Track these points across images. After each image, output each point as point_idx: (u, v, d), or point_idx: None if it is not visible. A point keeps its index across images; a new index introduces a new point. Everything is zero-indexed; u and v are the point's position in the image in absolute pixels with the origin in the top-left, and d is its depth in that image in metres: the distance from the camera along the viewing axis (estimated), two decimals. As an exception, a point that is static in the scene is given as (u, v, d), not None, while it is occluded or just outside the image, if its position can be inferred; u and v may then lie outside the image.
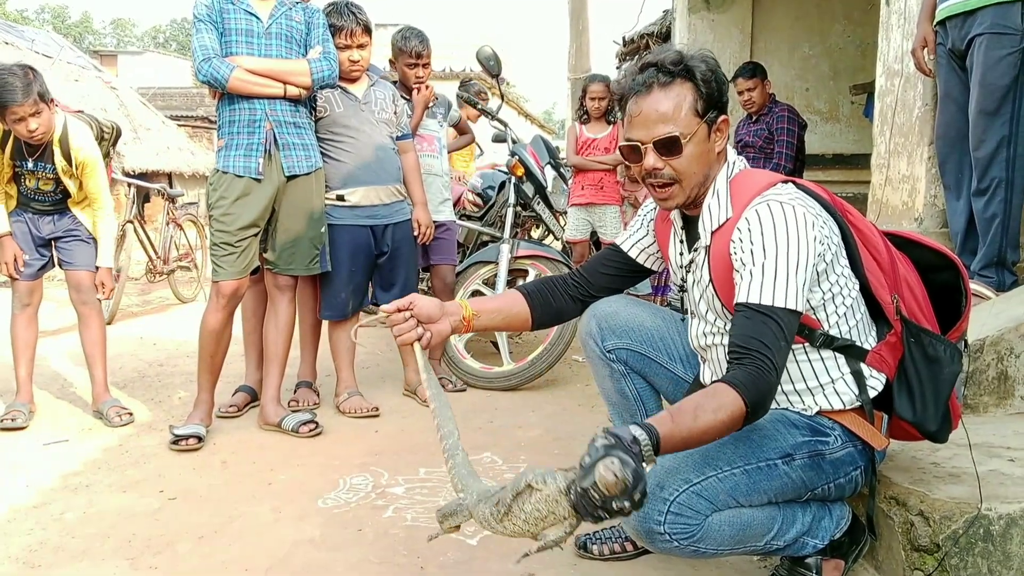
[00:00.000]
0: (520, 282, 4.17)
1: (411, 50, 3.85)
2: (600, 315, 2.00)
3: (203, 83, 3.15)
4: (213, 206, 3.19)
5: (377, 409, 3.45)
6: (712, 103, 1.70)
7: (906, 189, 3.50)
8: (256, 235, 3.22)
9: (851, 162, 6.59)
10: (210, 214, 3.22)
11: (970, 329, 2.51)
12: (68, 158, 3.31)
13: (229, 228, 3.15)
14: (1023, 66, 2.80)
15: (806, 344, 1.71)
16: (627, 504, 1.23)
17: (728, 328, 1.70)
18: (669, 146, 1.68)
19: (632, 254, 2.02)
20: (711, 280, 1.74)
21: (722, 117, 1.73)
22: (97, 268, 3.48)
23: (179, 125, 15.73)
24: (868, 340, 1.76)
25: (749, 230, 1.62)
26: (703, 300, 1.81)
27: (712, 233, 1.73)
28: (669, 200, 1.75)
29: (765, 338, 1.51)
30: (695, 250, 1.80)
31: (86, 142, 3.36)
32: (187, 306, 7.11)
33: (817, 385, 1.73)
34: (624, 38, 8.64)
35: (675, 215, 1.86)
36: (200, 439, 3.07)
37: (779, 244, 1.57)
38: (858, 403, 1.73)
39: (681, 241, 1.87)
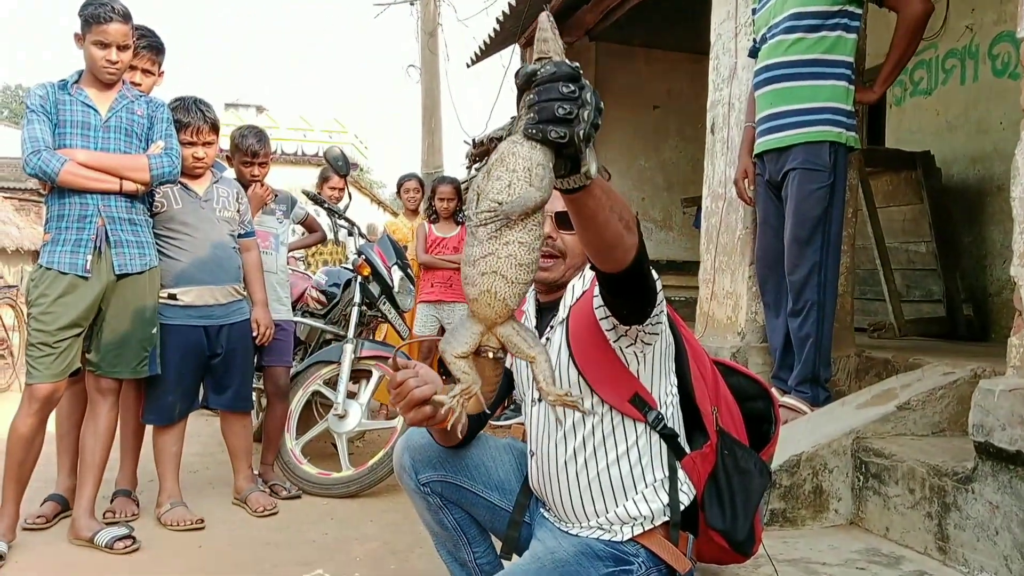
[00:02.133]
0: (363, 383, 4.11)
1: (247, 148, 3.84)
2: (413, 447, 2.00)
3: (31, 176, 2.99)
4: (32, 303, 2.99)
5: (202, 521, 3.25)
6: None
7: (730, 304, 3.72)
8: (78, 335, 3.03)
9: (683, 268, 6.97)
10: (29, 312, 3.01)
11: (787, 444, 2.68)
12: None
13: (48, 327, 2.95)
14: (832, 199, 3.07)
15: (643, 425, 1.75)
16: (579, 73, 1.15)
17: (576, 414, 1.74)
18: (568, 220, 1.74)
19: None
20: (568, 346, 1.77)
21: None
22: None
23: (5, 197, 14.77)
24: (685, 446, 1.84)
25: None
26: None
27: (571, 307, 1.79)
28: (549, 271, 1.83)
29: None
30: (550, 327, 1.84)
31: None
32: (-2, 397, 6.56)
33: (635, 492, 1.77)
34: (474, 140, 8.90)
35: (530, 303, 1.92)
36: (0, 557, 2.80)
37: None
38: (665, 516, 1.77)
39: (533, 326, 1.91)
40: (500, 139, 8.30)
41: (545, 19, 1.23)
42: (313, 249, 5.85)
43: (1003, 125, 4.74)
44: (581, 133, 1.16)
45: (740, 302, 3.63)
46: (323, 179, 5.82)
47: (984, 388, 2.21)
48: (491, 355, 1.37)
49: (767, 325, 3.44)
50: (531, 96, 1.18)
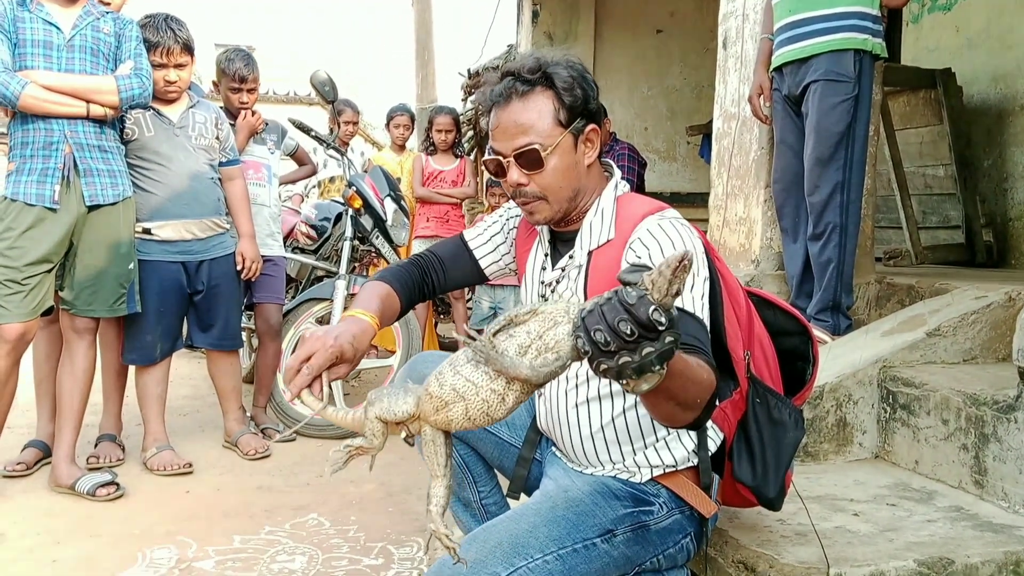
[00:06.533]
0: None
1: (234, 73, 3.59)
2: (416, 378, 1.79)
3: None
4: None
5: (190, 465, 3.10)
6: (576, 111, 1.57)
7: (743, 231, 3.51)
8: (49, 271, 2.83)
9: (687, 200, 6.72)
10: (-6, 246, 2.81)
11: (809, 375, 2.49)
12: None
13: (16, 263, 2.75)
14: (856, 113, 2.85)
15: None
16: (658, 327, 1.00)
17: None
18: (529, 159, 1.55)
19: (482, 263, 1.86)
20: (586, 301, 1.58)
21: (590, 126, 1.60)
22: None
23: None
24: None
25: (647, 247, 1.49)
26: None
27: (590, 252, 1.60)
28: (535, 215, 1.63)
29: (700, 336, 1.38)
30: (562, 268, 1.65)
31: None
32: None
33: (655, 439, 1.60)
34: (469, 71, 8.58)
35: (543, 227, 1.72)
36: (-25, 507, 2.65)
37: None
38: (690, 462, 1.61)
39: (546, 255, 1.72)
40: (496, 69, 8.00)
41: (685, 259, 1.02)
42: (326, 185, 5.67)
43: (1029, 39, 4.48)
44: (611, 369, 1.04)
45: (754, 228, 3.42)
46: (336, 113, 5.58)
47: (1031, 309, 2.01)
48: (405, 438, 1.35)
49: (784, 251, 3.23)
50: (604, 297, 1.06)
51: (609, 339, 1.02)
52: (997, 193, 4.65)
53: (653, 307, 1.00)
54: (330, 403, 1.47)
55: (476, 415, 1.22)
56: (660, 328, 1.01)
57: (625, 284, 1.04)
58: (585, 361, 1.10)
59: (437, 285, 1.86)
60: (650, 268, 1.04)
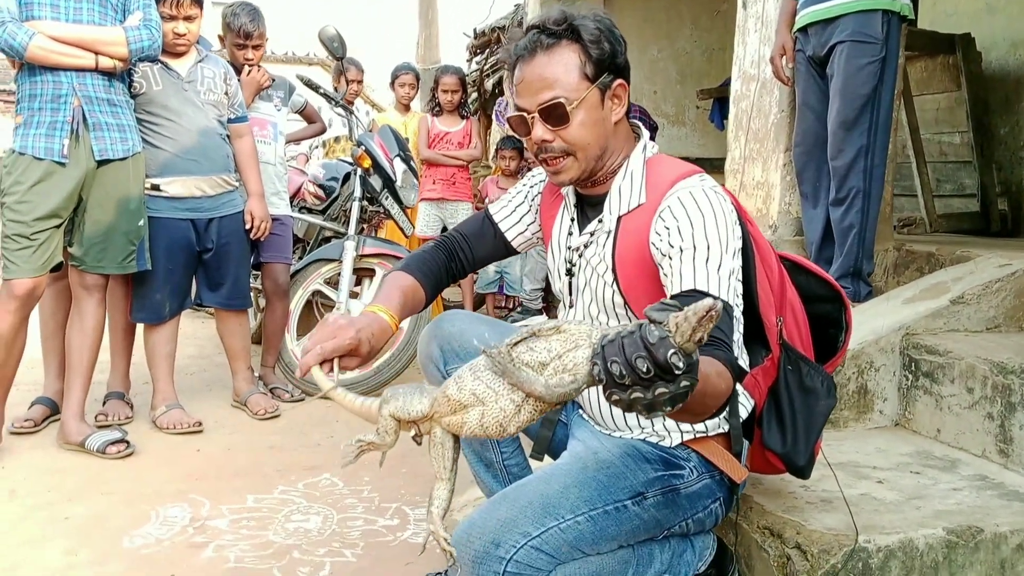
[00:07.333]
0: (367, 282, 3.89)
1: (239, 28, 3.50)
2: (443, 336, 1.77)
3: None
4: (6, 192, 2.75)
5: (200, 424, 3.08)
6: (603, 66, 1.52)
7: (760, 196, 3.47)
8: (58, 227, 2.79)
9: (697, 166, 6.66)
10: (2, 201, 2.76)
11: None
12: None
13: (24, 218, 2.71)
14: (883, 75, 2.79)
15: None
16: (674, 370, 0.99)
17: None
18: (554, 114, 1.50)
19: (508, 235, 1.82)
20: (613, 269, 1.55)
21: (618, 81, 1.55)
22: None
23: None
24: (743, 361, 1.63)
25: (676, 219, 1.45)
26: (590, 290, 1.62)
27: (620, 217, 1.55)
28: (562, 174, 1.57)
29: (724, 327, 1.34)
30: (591, 233, 1.61)
31: None
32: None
33: None
34: (475, 30, 8.45)
35: (568, 191, 1.68)
36: (-16, 463, 2.63)
37: (716, 237, 1.43)
38: (721, 429, 1.58)
39: (572, 220, 1.68)
40: (503, 28, 7.86)
41: (713, 310, 1.01)
42: (331, 145, 5.58)
43: (1051, 4, 4.40)
44: (622, 401, 1.04)
45: (773, 192, 3.37)
46: (340, 72, 5.49)
47: (1065, 276, 1.98)
48: (414, 436, 1.35)
49: (804, 216, 3.19)
50: (628, 329, 1.05)
51: (624, 372, 1.02)
52: (1013, 161, 4.59)
53: (673, 350, 1.00)
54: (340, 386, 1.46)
55: (490, 423, 1.22)
56: (677, 372, 1.00)
57: (651, 321, 1.03)
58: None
59: (467, 264, 1.83)
60: (679, 308, 1.03)
